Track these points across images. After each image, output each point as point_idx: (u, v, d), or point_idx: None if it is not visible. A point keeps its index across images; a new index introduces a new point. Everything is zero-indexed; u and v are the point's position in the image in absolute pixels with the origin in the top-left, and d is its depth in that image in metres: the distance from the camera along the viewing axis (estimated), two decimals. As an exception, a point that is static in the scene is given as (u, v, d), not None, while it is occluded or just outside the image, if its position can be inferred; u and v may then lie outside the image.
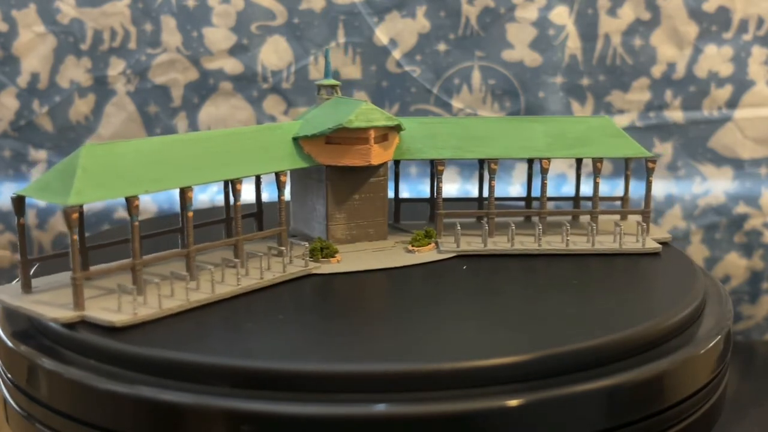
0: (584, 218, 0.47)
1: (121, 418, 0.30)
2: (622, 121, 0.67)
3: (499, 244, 0.43)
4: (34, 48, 0.65)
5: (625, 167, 0.47)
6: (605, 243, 0.43)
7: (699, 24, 0.65)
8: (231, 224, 0.42)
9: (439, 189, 0.44)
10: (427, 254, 0.43)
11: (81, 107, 0.66)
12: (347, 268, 0.40)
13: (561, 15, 0.65)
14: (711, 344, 0.34)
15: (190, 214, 0.36)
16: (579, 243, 0.43)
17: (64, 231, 0.66)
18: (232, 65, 0.65)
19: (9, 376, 0.35)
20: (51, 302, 0.34)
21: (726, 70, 0.66)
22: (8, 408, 0.35)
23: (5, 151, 0.66)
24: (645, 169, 0.46)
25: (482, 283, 0.40)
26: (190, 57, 0.65)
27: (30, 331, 0.35)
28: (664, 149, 0.68)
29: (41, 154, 0.66)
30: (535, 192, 0.47)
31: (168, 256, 0.37)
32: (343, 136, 0.41)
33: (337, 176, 0.42)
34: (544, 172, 0.44)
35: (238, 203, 0.38)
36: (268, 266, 0.38)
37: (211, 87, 0.66)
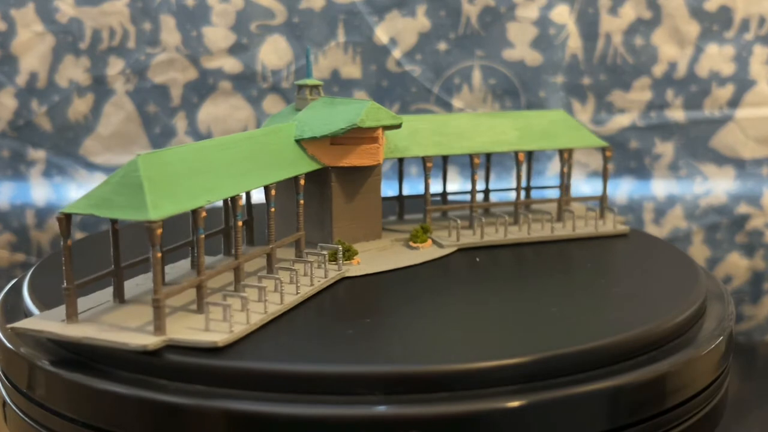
0: (538, 207, 0.51)
1: (121, 418, 0.30)
2: (623, 120, 0.67)
3: (491, 235, 0.45)
4: (32, 47, 0.65)
5: (603, 160, 0.49)
6: (580, 228, 0.47)
7: (700, 23, 0.65)
8: (230, 232, 0.41)
9: (427, 185, 0.45)
10: (429, 250, 0.43)
11: (80, 107, 0.66)
12: (369, 270, 0.40)
13: (562, 14, 0.65)
14: (713, 345, 0.34)
15: (240, 222, 0.35)
16: (557, 230, 0.46)
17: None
18: (231, 64, 0.65)
19: (8, 376, 0.34)
20: (119, 328, 0.31)
21: (727, 69, 0.66)
22: (7, 408, 0.35)
23: (4, 151, 0.66)
24: (602, 157, 0.49)
25: (483, 280, 0.40)
26: (190, 56, 0.65)
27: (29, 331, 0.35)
28: (666, 149, 0.67)
29: (40, 154, 0.66)
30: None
31: (223, 270, 0.35)
32: (349, 136, 0.41)
33: (341, 177, 0.42)
34: (519, 164, 0.47)
35: (272, 209, 0.37)
36: (312, 273, 0.37)
37: (210, 86, 0.66)
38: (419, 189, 0.54)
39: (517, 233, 0.46)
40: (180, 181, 0.32)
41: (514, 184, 0.50)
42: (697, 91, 0.66)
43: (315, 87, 0.44)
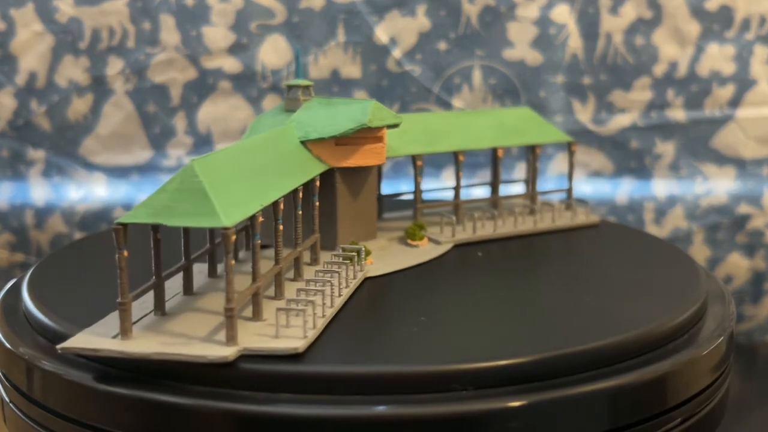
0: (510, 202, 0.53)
1: (121, 419, 0.30)
2: (623, 120, 0.67)
3: (482, 230, 0.47)
4: (32, 47, 0.65)
5: (569, 154, 0.52)
6: (558, 220, 0.49)
7: (701, 23, 0.65)
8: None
9: (417, 183, 0.46)
10: (428, 247, 0.44)
11: (79, 106, 0.66)
12: (385, 269, 0.40)
13: (562, 14, 0.65)
14: (713, 345, 0.34)
15: (281, 227, 0.34)
16: (539, 222, 0.48)
17: (62, 231, 0.66)
18: (231, 64, 0.65)
19: (7, 376, 0.34)
20: (184, 340, 0.30)
21: (728, 69, 0.66)
22: (6, 408, 0.35)
23: (3, 151, 0.66)
24: (568, 152, 0.52)
25: (481, 277, 0.41)
26: (189, 56, 0.65)
27: (28, 330, 0.35)
28: (666, 149, 0.67)
29: (39, 154, 0.66)
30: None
31: (271, 275, 0.34)
32: (354, 137, 0.40)
33: (344, 178, 0.42)
34: (498, 161, 0.49)
35: (299, 212, 0.37)
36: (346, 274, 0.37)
37: (210, 86, 0.66)
38: (389, 188, 0.55)
39: (505, 227, 0.47)
40: (231, 185, 0.32)
41: (481, 180, 0.53)
42: (698, 90, 0.66)
43: (306, 87, 0.43)
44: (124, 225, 0.30)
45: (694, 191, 0.68)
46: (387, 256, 0.42)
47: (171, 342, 0.30)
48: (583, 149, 0.67)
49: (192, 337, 0.30)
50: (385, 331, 0.33)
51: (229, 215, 0.29)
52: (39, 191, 0.66)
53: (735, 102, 0.66)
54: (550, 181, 0.68)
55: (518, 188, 0.55)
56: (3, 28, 0.64)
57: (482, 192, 0.54)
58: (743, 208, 0.67)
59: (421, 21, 0.65)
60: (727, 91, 0.66)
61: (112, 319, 0.32)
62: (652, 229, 0.67)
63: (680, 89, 0.66)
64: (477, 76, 0.66)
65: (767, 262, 0.68)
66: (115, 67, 0.65)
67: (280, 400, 0.28)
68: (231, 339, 0.29)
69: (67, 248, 0.48)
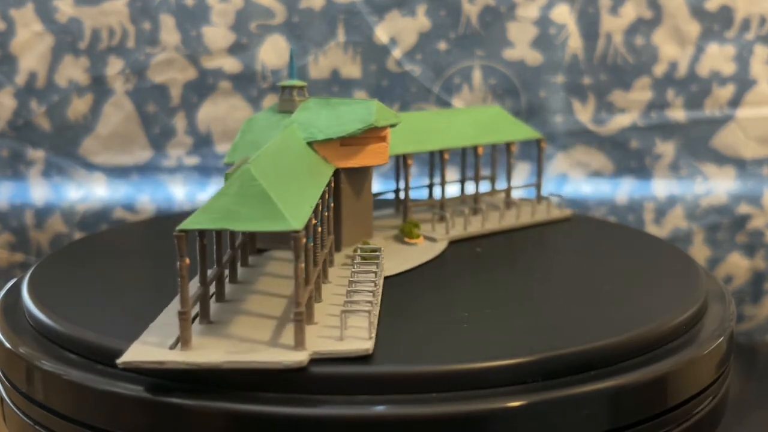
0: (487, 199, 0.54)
1: (121, 419, 0.30)
2: (623, 120, 0.67)
3: (473, 226, 0.48)
4: (31, 47, 0.64)
5: (538, 150, 0.53)
6: (536, 215, 0.51)
7: (701, 23, 0.65)
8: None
9: (408, 182, 0.47)
10: (427, 245, 0.44)
11: (79, 106, 0.66)
12: (399, 268, 0.40)
13: (562, 14, 0.65)
14: (713, 345, 0.34)
15: (320, 228, 0.34)
16: (520, 217, 0.50)
17: (62, 231, 0.66)
18: (231, 64, 0.65)
19: (7, 376, 0.34)
20: (248, 347, 0.29)
21: (728, 69, 0.66)
22: (6, 408, 0.35)
23: (3, 151, 0.66)
24: (537, 148, 0.53)
25: (478, 275, 0.41)
26: (189, 56, 0.65)
27: (28, 330, 0.35)
28: (666, 149, 0.67)
29: (39, 154, 0.66)
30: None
31: (315, 278, 0.34)
32: (359, 137, 0.40)
33: (347, 178, 0.42)
34: (478, 158, 0.50)
35: (327, 214, 0.37)
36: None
37: (210, 86, 0.66)
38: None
39: (491, 223, 0.48)
40: (280, 188, 0.31)
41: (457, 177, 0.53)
42: (698, 90, 0.66)
43: (301, 88, 0.43)
44: (186, 232, 0.28)
45: (694, 191, 0.68)
46: (392, 255, 0.42)
47: (235, 350, 0.29)
48: (583, 149, 0.67)
49: (254, 344, 0.30)
50: (432, 329, 0.33)
51: (296, 219, 0.29)
52: (39, 191, 0.66)
53: (735, 102, 0.66)
54: (550, 182, 0.68)
55: (485, 185, 0.56)
56: (3, 28, 0.64)
57: (457, 189, 0.55)
58: (743, 208, 0.67)
59: (421, 21, 0.65)
60: (727, 91, 0.66)
61: (159, 329, 0.31)
62: (652, 229, 0.67)
63: (680, 89, 0.66)
64: (477, 76, 0.66)
65: (767, 262, 0.68)
66: (115, 67, 0.65)
67: (357, 402, 0.28)
68: (300, 343, 0.29)
69: (67, 248, 0.48)
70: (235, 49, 0.65)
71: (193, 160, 0.67)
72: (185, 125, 0.66)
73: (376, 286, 0.35)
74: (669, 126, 0.67)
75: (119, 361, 0.28)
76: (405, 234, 0.45)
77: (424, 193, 0.55)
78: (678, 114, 0.67)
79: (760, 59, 0.66)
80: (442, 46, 0.66)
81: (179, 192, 0.67)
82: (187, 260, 0.29)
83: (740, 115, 0.66)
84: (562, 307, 0.36)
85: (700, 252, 0.68)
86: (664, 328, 0.33)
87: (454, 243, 0.46)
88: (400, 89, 0.66)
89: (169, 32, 0.65)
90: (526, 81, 0.66)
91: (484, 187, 0.53)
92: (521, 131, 0.52)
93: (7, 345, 0.34)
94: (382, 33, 0.65)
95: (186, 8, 0.64)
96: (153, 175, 0.67)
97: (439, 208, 0.49)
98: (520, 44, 0.66)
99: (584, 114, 0.67)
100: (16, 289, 0.40)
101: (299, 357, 0.28)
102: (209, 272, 0.33)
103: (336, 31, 0.65)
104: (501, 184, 0.54)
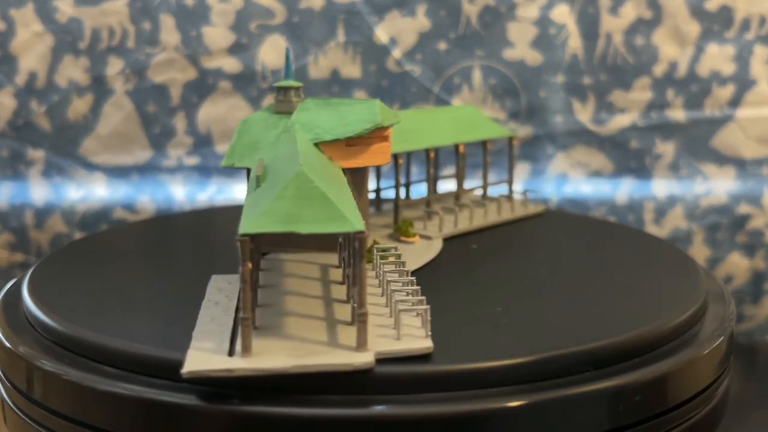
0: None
1: (121, 419, 0.30)
2: (623, 120, 0.67)
3: (462, 223, 0.48)
4: (32, 47, 0.64)
5: (510, 148, 0.54)
6: (515, 211, 0.52)
7: (701, 23, 0.65)
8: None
9: (398, 181, 0.48)
10: (422, 243, 0.45)
11: (79, 107, 0.66)
12: (410, 267, 0.40)
13: (562, 14, 0.65)
14: (713, 345, 0.34)
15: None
16: (501, 214, 0.51)
17: (62, 231, 0.66)
18: (231, 64, 0.65)
19: (7, 376, 0.34)
20: (309, 350, 0.29)
21: (728, 69, 0.66)
22: (6, 409, 0.35)
23: (3, 151, 0.66)
24: (509, 146, 0.54)
25: (477, 275, 0.41)
26: (189, 56, 0.65)
27: (28, 330, 0.35)
28: (666, 149, 0.67)
29: (39, 154, 0.66)
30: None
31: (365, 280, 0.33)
32: (364, 137, 0.40)
33: (351, 178, 0.42)
34: (459, 156, 0.51)
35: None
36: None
37: (210, 86, 0.66)
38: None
39: (477, 220, 0.49)
40: (329, 189, 0.31)
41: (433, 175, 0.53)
42: (698, 90, 0.66)
43: (297, 89, 0.43)
44: (250, 236, 0.28)
45: (694, 191, 0.68)
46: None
47: (297, 354, 0.29)
48: (583, 149, 0.67)
49: (313, 347, 0.29)
50: (469, 325, 0.34)
51: (354, 219, 0.29)
52: (39, 191, 0.66)
53: (735, 102, 0.66)
54: (550, 182, 0.68)
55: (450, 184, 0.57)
56: (3, 28, 0.64)
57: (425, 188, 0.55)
58: (743, 208, 0.67)
59: (421, 21, 0.65)
60: (727, 91, 0.66)
61: (205, 336, 0.31)
62: (652, 229, 0.67)
63: (680, 89, 0.66)
64: (477, 76, 0.66)
65: (767, 262, 0.68)
66: (115, 67, 0.65)
67: (422, 400, 0.28)
68: (363, 344, 0.29)
69: (67, 248, 0.48)
70: (235, 49, 0.65)
71: (193, 160, 0.67)
72: (185, 125, 0.66)
73: (415, 285, 0.34)
74: (669, 126, 0.67)
75: (184, 371, 0.27)
76: (402, 233, 0.45)
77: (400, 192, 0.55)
78: (678, 114, 0.67)
79: (759, 59, 0.66)
80: (442, 46, 0.66)
81: (179, 192, 0.67)
82: (250, 265, 0.28)
83: (740, 115, 0.66)
84: (562, 306, 0.36)
85: (700, 252, 0.68)
86: (664, 328, 0.33)
87: (448, 240, 0.46)
88: (400, 89, 0.66)
89: (169, 32, 0.65)
90: (526, 81, 0.66)
91: (448, 185, 0.55)
92: (496, 130, 0.53)
93: (7, 345, 0.34)
94: (382, 33, 0.65)
95: (186, 8, 0.64)
96: (153, 175, 0.67)
97: (426, 206, 0.50)
98: (520, 44, 0.66)
99: (584, 114, 0.67)
100: (16, 289, 0.40)
101: (367, 358, 0.28)
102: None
103: (336, 31, 0.65)
104: (477, 182, 0.55)
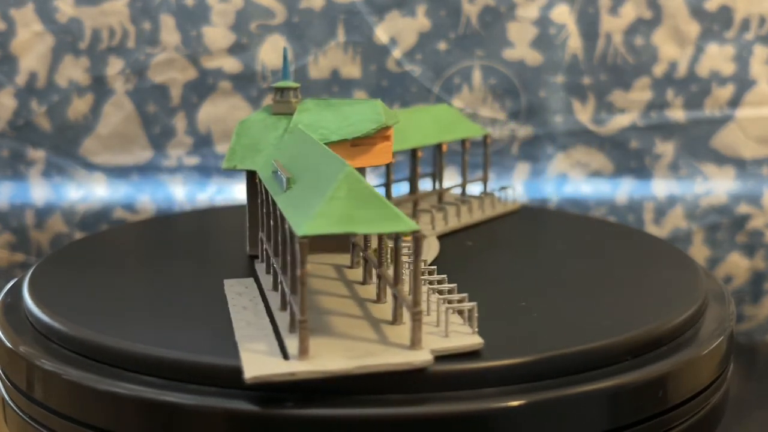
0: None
1: (121, 419, 0.30)
2: (623, 120, 0.67)
3: (451, 221, 0.49)
4: (32, 47, 0.65)
5: (484, 146, 0.54)
6: (496, 208, 0.53)
7: (701, 23, 0.65)
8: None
9: (390, 181, 0.48)
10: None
11: (79, 106, 0.66)
12: None
13: (562, 14, 0.65)
14: (713, 345, 0.34)
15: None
16: (484, 211, 0.52)
17: (62, 231, 0.66)
18: (231, 64, 0.65)
19: (7, 376, 0.34)
20: (364, 350, 0.29)
21: (728, 69, 0.66)
22: (6, 409, 0.35)
23: (3, 151, 0.66)
24: (483, 144, 0.55)
25: (476, 274, 0.41)
26: (189, 56, 0.65)
27: (28, 330, 0.35)
28: (666, 149, 0.67)
29: (39, 154, 0.66)
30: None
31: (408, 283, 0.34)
32: (368, 137, 0.40)
33: None
34: (442, 155, 0.52)
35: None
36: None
37: (210, 86, 0.66)
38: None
39: (463, 217, 0.50)
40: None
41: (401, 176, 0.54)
42: (698, 90, 0.66)
43: (295, 90, 0.43)
44: (309, 238, 0.27)
45: (693, 191, 0.68)
46: None
47: (353, 354, 0.28)
48: (583, 149, 0.67)
49: (368, 346, 0.29)
50: (500, 320, 0.34)
51: (409, 219, 0.28)
52: (39, 191, 0.66)
53: (735, 102, 0.66)
54: (550, 182, 0.68)
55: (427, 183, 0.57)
56: (3, 28, 0.64)
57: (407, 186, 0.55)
58: (743, 208, 0.67)
59: (421, 21, 0.65)
60: (726, 91, 0.66)
61: (251, 339, 0.30)
62: (651, 229, 0.67)
63: (680, 89, 0.66)
64: (477, 76, 0.66)
65: (767, 262, 0.68)
66: (115, 67, 0.65)
67: (485, 395, 0.29)
68: (418, 342, 0.29)
69: (67, 248, 0.48)
70: (235, 49, 0.65)
71: (193, 160, 0.67)
72: (185, 125, 0.66)
73: (448, 282, 0.34)
74: (669, 126, 0.67)
75: (247, 377, 0.27)
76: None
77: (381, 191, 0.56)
78: (678, 114, 0.67)
79: (759, 59, 0.66)
80: (442, 46, 0.66)
81: (179, 192, 0.67)
82: (308, 267, 0.28)
83: (740, 115, 0.66)
84: (561, 306, 0.36)
85: (699, 252, 0.68)
86: (664, 328, 0.33)
87: (441, 238, 0.46)
88: (400, 89, 0.66)
89: (170, 32, 0.65)
90: (526, 81, 0.66)
91: (428, 184, 0.55)
92: (472, 128, 0.53)
93: (8, 345, 0.34)
94: (382, 33, 0.65)
95: (186, 8, 0.64)
96: (153, 175, 0.67)
97: (414, 204, 0.50)
98: (520, 44, 0.66)
99: (584, 114, 0.67)
100: (16, 288, 0.40)
101: (426, 356, 0.28)
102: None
103: (336, 31, 0.65)
104: (456, 180, 0.55)
